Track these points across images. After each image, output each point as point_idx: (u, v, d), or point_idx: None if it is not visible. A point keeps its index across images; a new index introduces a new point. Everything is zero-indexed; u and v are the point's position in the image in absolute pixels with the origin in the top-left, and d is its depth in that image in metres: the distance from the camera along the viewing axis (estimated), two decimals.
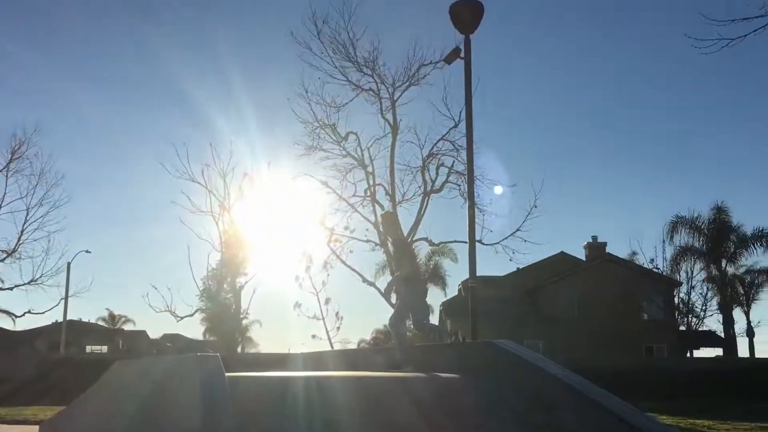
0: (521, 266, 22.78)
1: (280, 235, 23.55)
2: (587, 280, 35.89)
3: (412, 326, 9.01)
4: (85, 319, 62.48)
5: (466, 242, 10.75)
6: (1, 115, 59.69)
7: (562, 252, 39.13)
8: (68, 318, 40.36)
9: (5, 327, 43.57)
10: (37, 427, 11.60)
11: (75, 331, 58.19)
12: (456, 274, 51.10)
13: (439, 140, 18.82)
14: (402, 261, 8.56)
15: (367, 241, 18.98)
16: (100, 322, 65.28)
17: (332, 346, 30.02)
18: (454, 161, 18.70)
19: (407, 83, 18.56)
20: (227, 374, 5.60)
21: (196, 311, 24.06)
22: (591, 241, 39.32)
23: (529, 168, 65.83)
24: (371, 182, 18.69)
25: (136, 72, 71.04)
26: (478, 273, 10.62)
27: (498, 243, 18.32)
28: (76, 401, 10.19)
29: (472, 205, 10.58)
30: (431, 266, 37.78)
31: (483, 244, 17.83)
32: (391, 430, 5.48)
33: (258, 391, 5.71)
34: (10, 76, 60.92)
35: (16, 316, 34.23)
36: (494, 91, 51.99)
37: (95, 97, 67.07)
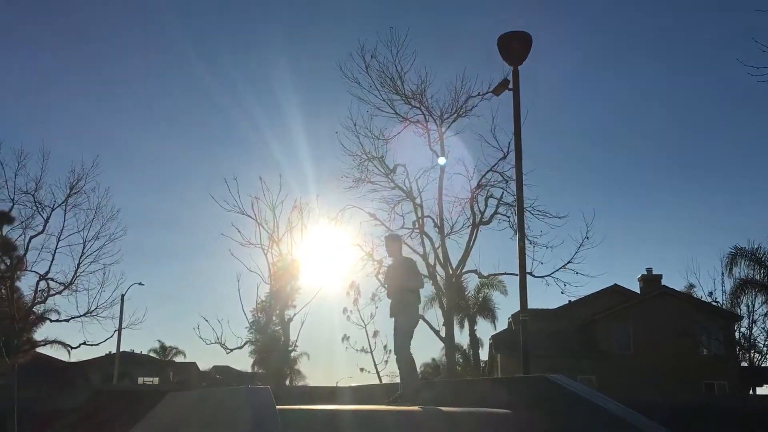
0: (573, 299, 22.34)
1: (328, 268, 23.65)
2: (642, 313, 34.88)
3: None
4: (137, 351, 63.50)
5: (516, 274, 10.63)
6: (59, 150, 61.91)
7: (615, 285, 38.20)
8: (121, 349, 41.09)
9: (60, 358, 44.46)
10: None
11: (127, 362, 59.19)
12: (506, 307, 50.34)
13: (487, 172, 18.77)
14: (415, 275, 7.91)
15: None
16: (152, 354, 66.17)
17: (380, 380, 29.91)
18: (503, 192, 18.62)
19: (455, 115, 18.65)
20: (277, 407, 5.61)
21: (245, 343, 24.13)
22: (645, 273, 38.34)
23: (580, 199, 64.95)
24: (419, 214, 18.69)
25: (187, 107, 73.11)
26: (529, 306, 10.44)
27: (549, 275, 17.99)
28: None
29: (522, 237, 10.44)
30: (480, 299, 37.31)
31: (534, 276, 17.56)
32: None
33: (307, 424, 5.69)
34: (66, 110, 63.29)
35: (72, 348, 34.83)
36: (544, 120, 51.67)
37: (148, 131, 69.16)
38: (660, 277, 37.99)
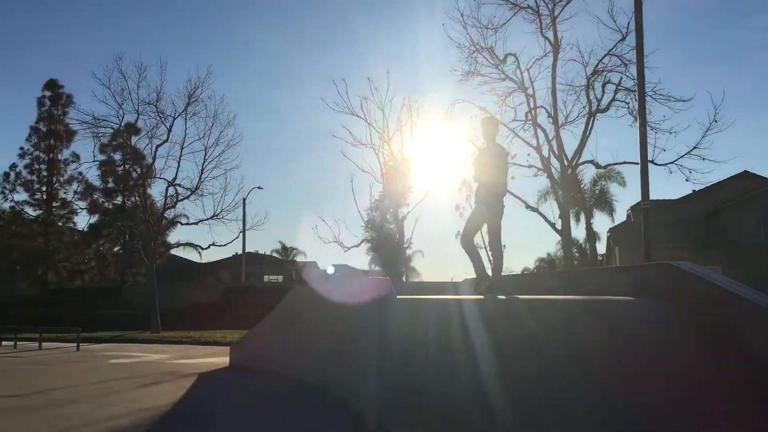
0: (698, 188, 21.10)
1: (440, 165, 23.56)
2: None
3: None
4: (261, 252, 67.00)
5: (636, 163, 10.10)
6: (176, 61, 63.93)
7: (745, 171, 35.90)
8: (246, 251, 43.43)
9: (192, 259, 47.57)
10: (227, 348, 12.78)
11: (253, 262, 62.68)
12: (624, 199, 48.88)
13: (605, 56, 17.64)
14: (492, 168, 7.17)
15: (529, 166, 18.39)
16: (275, 254, 69.65)
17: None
18: (621, 77, 17.48)
19: None
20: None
21: (361, 242, 24.83)
22: None
23: (707, 80, 60.42)
24: (532, 105, 17.98)
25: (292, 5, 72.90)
26: (650, 197, 9.96)
27: (673, 162, 17.01)
28: (260, 324, 11.07)
29: (643, 123, 9.84)
30: (597, 191, 36.18)
31: (656, 164, 16.69)
32: (542, 359, 5.34)
33: (417, 311, 5.88)
34: (181, 18, 64.80)
35: (202, 249, 37.24)
36: None
37: (261, 33, 69.88)
38: None
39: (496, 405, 4.72)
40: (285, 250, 70.61)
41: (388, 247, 25.11)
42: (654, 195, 17.06)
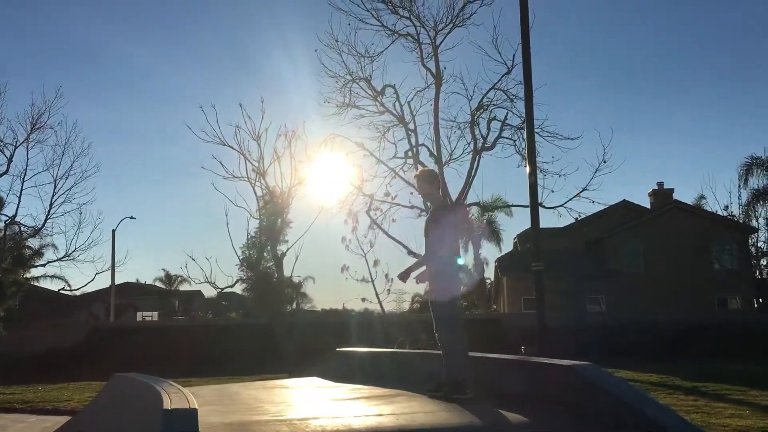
0: (582, 217, 20.71)
1: (322, 198, 22.10)
2: (653, 229, 33.55)
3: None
4: (142, 281, 62.98)
5: (525, 206, 9.03)
6: (18, 82, 59.03)
7: (624, 200, 36.72)
8: (126, 280, 40.22)
9: (64, 291, 43.73)
10: (66, 418, 10.76)
11: (134, 293, 58.83)
12: (511, 228, 49.20)
13: (489, 89, 16.80)
14: (440, 240, 5.87)
15: (412, 207, 17.20)
16: (158, 283, 65.82)
17: (383, 309, 28.90)
18: (507, 113, 16.63)
19: (451, 25, 16.52)
20: None
21: (236, 282, 22.91)
22: (657, 188, 36.77)
23: (589, 117, 62.51)
24: (413, 141, 16.82)
25: (157, 20, 69.71)
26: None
27: (562, 206, 16.35)
28: (81, 413, 9.10)
29: (534, 172, 8.73)
30: (484, 221, 35.88)
31: (545, 207, 15.93)
32: None
33: None
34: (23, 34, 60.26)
35: (62, 289, 34.08)
36: (544, 30, 48.82)
37: (123, 47, 66.15)
38: (672, 191, 36.50)
39: None
40: (169, 278, 66.90)
41: (267, 286, 23.29)
42: (540, 221, 16.31)
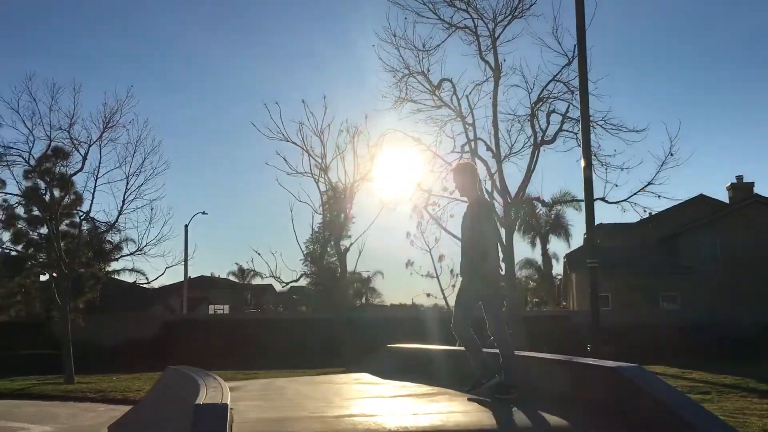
0: (654, 212, 19.97)
1: (384, 193, 22.14)
2: (731, 224, 32.06)
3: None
4: (216, 274, 64.77)
5: (582, 201, 8.73)
6: (92, 82, 61.21)
7: (701, 195, 35.25)
8: (201, 274, 41.42)
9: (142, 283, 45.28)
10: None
11: (207, 286, 60.65)
12: (580, 224, 48.04)
13: (549, 81, 16.34)
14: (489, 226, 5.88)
15: None
16: (231, 277, 67.47)
17: (448, 305, 28.71)
18: (568, 106, 16.16)
19: (509, 17, 16.18)
20: None
21: (300, 276, 23.24)
22: (735, 181, 35.15)
23: (659, 108, 60.36)
24: (471, 135, 16.55)
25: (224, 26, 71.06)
26: (604, 221, 8.63)
27: (625, 200, 15.73)
28: (139, 404, 9.37)
29: (588, 165, 8.46)
30: (552, 216, 35.18)
31: (607, 202, 15.40)
32: None
33: None
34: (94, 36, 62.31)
35: (141, 283, 35.38)
36: (615, 18, 47.32)
37: (189, 47, 67.82)
38: (752, 185, 34.79)
39: None
40: (242, 272, 68.55)
41: (330, 280, 23.52)
42: (612, 218, 15.91)
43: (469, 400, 5.59)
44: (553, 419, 4.74)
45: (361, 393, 6.69)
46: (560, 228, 36.11)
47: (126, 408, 13.31)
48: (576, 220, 46.73)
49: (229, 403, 4.51)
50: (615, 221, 27.15)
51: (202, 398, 4.70)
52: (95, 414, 13.78)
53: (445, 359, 8.22)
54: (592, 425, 4.62)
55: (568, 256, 36.34)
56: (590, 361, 5.53)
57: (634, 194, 15.66)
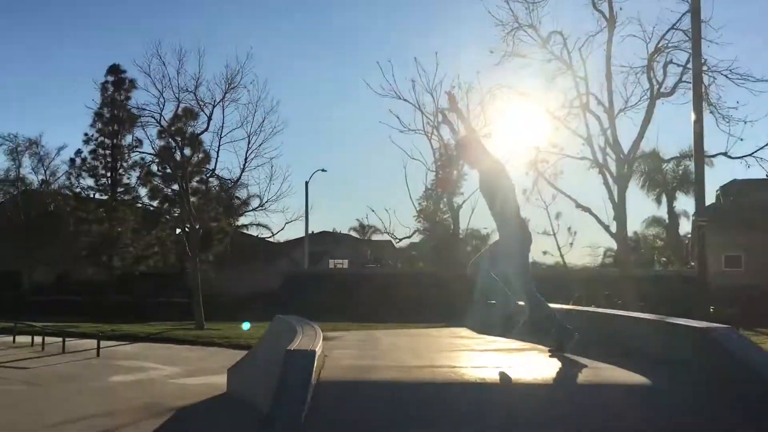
0: None
1: (496, 149, 21.92)
2: None
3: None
4: (338, 230, 66.75)
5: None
6: (215, 46, 63.24)
7: None
8: (323, 229, 42.98)
9: (267, 238, 47.37)
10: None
11: (329, 241, 62.64)
12: (711, 178, 45.10)
13: (668, 30, 15.43)
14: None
15: (582, 158, 16.39)
16: (352, 233, 69.29)
17: (564, 263, 28.22)
18: (689, 56, 15.14)
19: None
20: None
21: (414, 233, 23.60)
22: None
23: None
24: (582, 90, 15.92)
25: None
26: (740, 176, 8.23)
27: (750, 155, 14.69)
28: (255, 347, 10.03)
29: (700, 119, 8.03)
30: (680, 172, 33.36)
31: (730, 157, 14.50)
32: None
33: None
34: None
35: (266, 237, 37.08)
36: None
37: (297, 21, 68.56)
38: None
39: None
40: (363, 228, 70.18)
41: (443, 238, 23.70)
42: (746, 172, 14.74)
43: (550, 357, 5.67)
44: (634, 376, 4.71)
45: (451, 346, 6.87)
46: (688, 184, 34.20)
47: (245, 354, 14.28)
48: (707, 175, 43.98)
49: (317, 350, 4.82)
50: (749, 177, 25.43)
51: (295, 345, 5.05)
52: (220, 358, 14.79)
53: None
54: (674, 384, 4.56)
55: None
56: (682, 321, 5.40)
57: (760, 149, 14.59)
